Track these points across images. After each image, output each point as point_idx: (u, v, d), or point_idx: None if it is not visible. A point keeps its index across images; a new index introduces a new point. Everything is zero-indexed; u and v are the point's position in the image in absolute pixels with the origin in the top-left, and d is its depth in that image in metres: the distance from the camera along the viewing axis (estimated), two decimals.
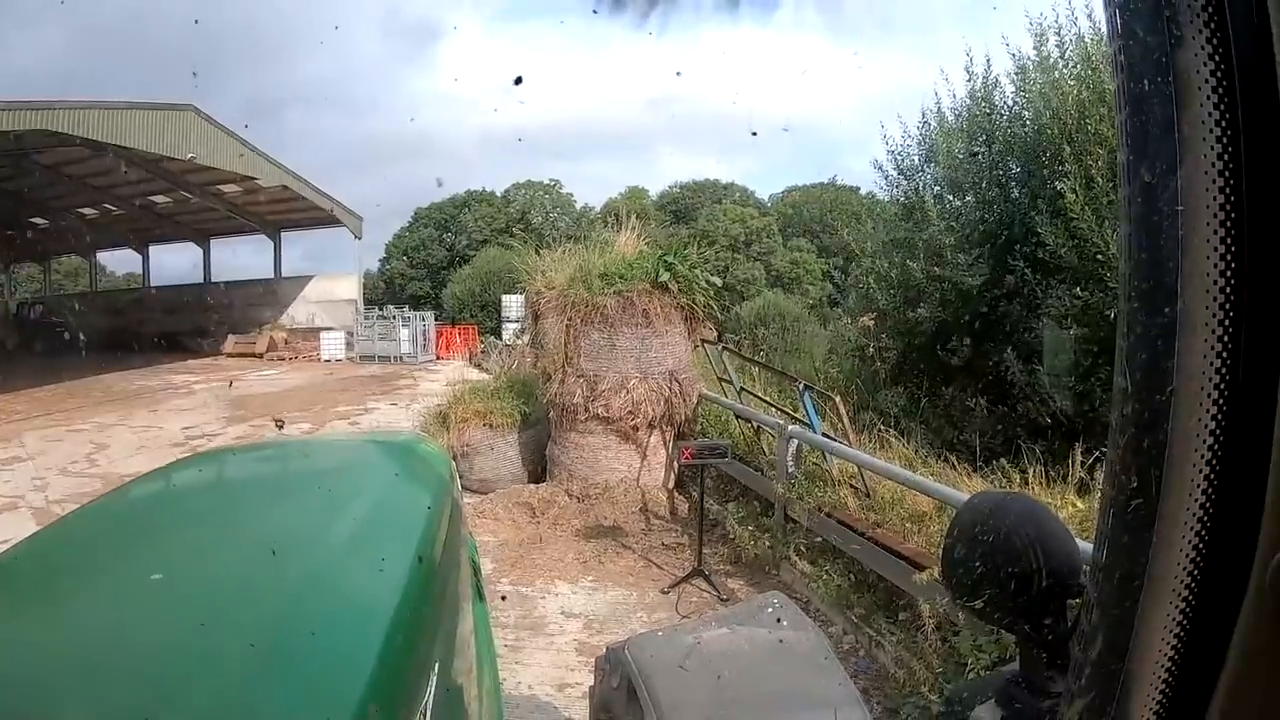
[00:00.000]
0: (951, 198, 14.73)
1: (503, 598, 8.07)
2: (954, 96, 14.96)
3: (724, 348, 13.43)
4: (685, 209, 54.28)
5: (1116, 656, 0.74)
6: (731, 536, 9.53)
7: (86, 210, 38.76)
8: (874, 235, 16.44)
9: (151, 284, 45.35)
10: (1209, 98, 0.61)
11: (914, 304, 14.28)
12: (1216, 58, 0.61)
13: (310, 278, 40.49)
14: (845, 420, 9.31)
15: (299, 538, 2.31)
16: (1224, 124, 0.61)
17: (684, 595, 8.33)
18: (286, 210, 38.55)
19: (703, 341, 12.62)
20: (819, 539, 8.31)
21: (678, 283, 11.32)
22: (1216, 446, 0.63)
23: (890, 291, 14.92)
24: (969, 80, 14.54)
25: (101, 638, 1.75)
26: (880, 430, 10.12)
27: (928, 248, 14.14)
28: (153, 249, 45.30)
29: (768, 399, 11.84)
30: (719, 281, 12.74)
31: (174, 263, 45.77)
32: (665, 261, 11.34)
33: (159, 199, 37.64)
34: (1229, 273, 0.61)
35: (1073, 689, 0.83)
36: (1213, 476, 0.64)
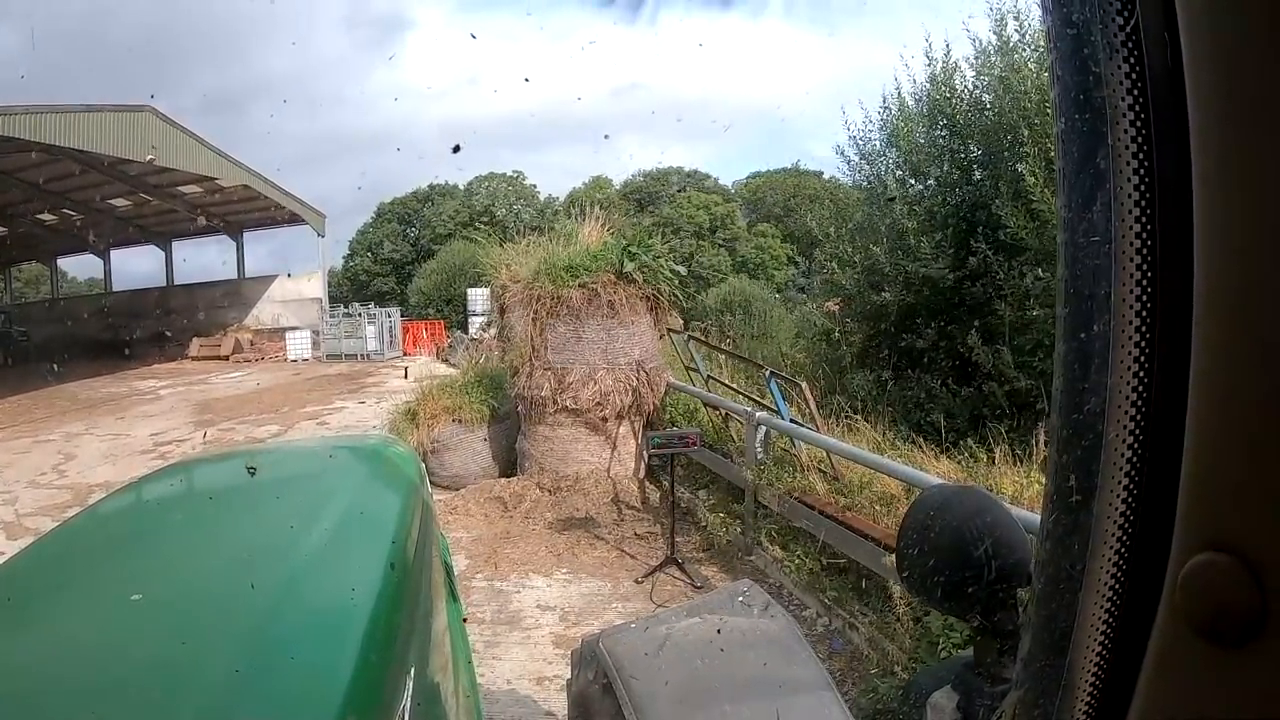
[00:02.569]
0: (914, 181, 14.86)
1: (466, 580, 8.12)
2: (914, 81, 15.08)
3: (690, 337, 13.50)
4: (649, 197, 54.30)
5: (1056, 648, 0.77)
6: (703, 524, 9.60)
7: (45, 216, 38.13)
8: (836, 220, 16.53)
9: (114, 288, 44.78)
10: (1127, 131, 0.65)
11: (878, 288, 14.40)
12: (1135, 91, 0.64)
13: (274, 277, 40.06)
14: (812, 406, 9.39)
15: (273, 547, 2.33)
16: (1140, 156, 0.64)
17: (658, 584, 8.37)
18: (248, 210, 38.16)
19: (669, 331, 12.67)
20: (790, 524, 8.39)
21: (642, 273, 11.34)
22: (1134, 457, 0.67)
23: (854, 276, 15.04)
24: (929, 65, 14.66)
25: (85, 654, 1.77)
26: (848, 414, 10.21)
27: (891, 232, 14.25)
28: (114, 253, 44.68)
29: (735, 386, 11.91)
30: (683, 270, 12.79)
31: (136, 266, 45.04)
32: (629, 252, 11.36)
33: (119, 202, 37.08)
34: (1145, 297, 0.65)
35: (1019, 677, 0.86)
36: (1133, 483, 0.67)
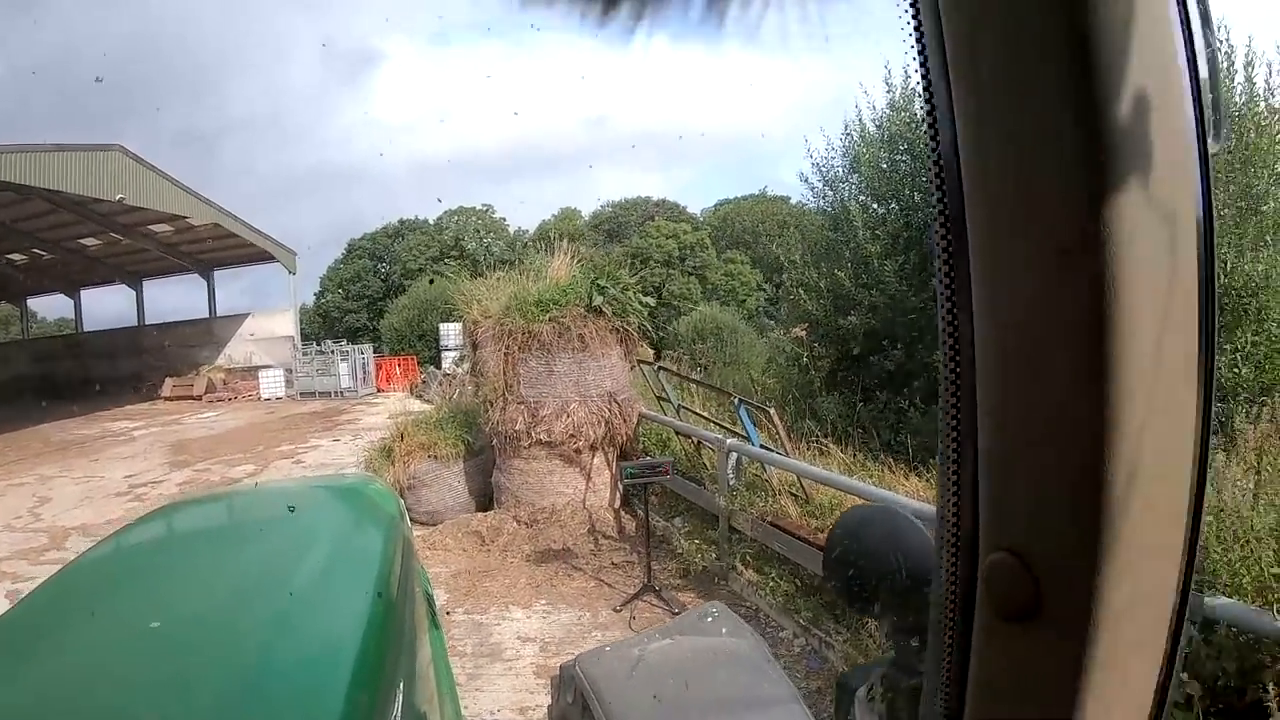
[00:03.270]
0: (876, 206, 15.15)
1: (447, 612, 8.21)
2: (874, 108, 15.42)
3: (660, 367, 13.70)
4: (618, 227, 54.60)
5: (913, 631, 0.97)
6: (679, 551, 9.74)
7: (14, 256, 38.01)
8: (801, 245, 16.79)
9: (85, 328, 44.59)
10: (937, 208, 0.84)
11: (844, 312, 14.65)
12: (937, 162, 0.83)
13: (246, 315, 39.97)
14: (781, 431, 9.60)
15: (268, 582, 2.51)
16: (944, 204, 0.83)
17: (636, 612, 8.51)
18: (219, 248, 38.03)
19: (640, 362, 12.85)
20: (764, 547, 8.56)
21: (611, 305, 11.53)
22: (957, 479, 0.86)
23: (820, 301, 15.28)
24: (889, 91, 15.00)
25: (97, 688, 1.92)
26: (818, 438, 10.42)
27: (855, 256, 14.53)
28: (85, 292, 44.54)
29: (706, 414, 12.10)
30: (652, 302, 12.99)
31: (107, 306, 44.98)
32: (598, 285, 11.55)
33: (89, 241, 36.95)
34: (953, 345, 0.84)
35: (925, 670, 1.06)
36: (958, 499, 0.87)
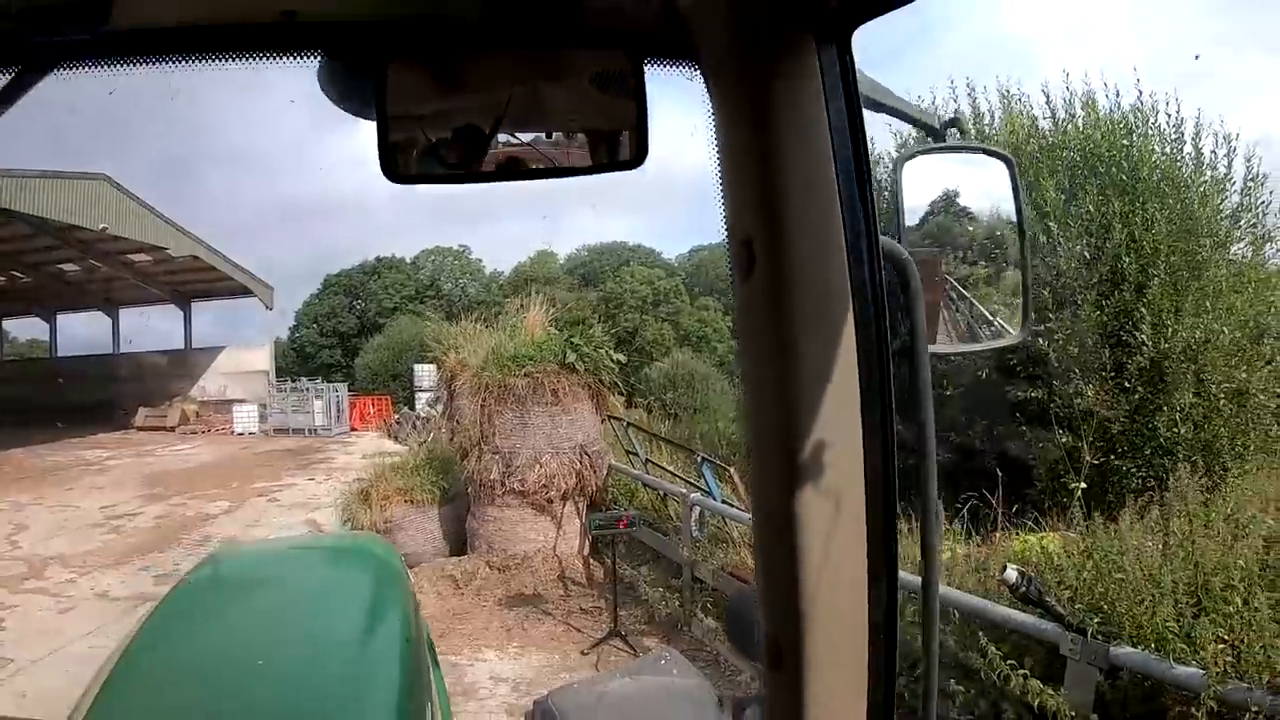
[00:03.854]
0: None
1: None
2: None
3: (628, 424, 14.21)
4: (593, 272, 54.79)
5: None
6: (645, 598, 10.21)
7: None
8: None
9: (59, 353, 44.18)
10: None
11: None
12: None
13: (221, 349, 39.54)
14: (740, 487, 10.14)
15: (317, 632, 3.13)
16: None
17: (603, 655, 8.99)
18: (197, 280, 37.95)
19: (609, 416, 13.37)
20: (724, 596, 9.05)
21: (584, 362, 12.12)
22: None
23: None
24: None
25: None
26: None
27: None
28: (60, 317, 44.14)
29: (671, 469, 12.63)
30: (622, 358, 13.54)
31: (81, 331, 44.20)
32: (571, 343, 12.14)
33: (69, 267, 36.89)
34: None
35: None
36: None
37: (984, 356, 9.72)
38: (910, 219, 1.38)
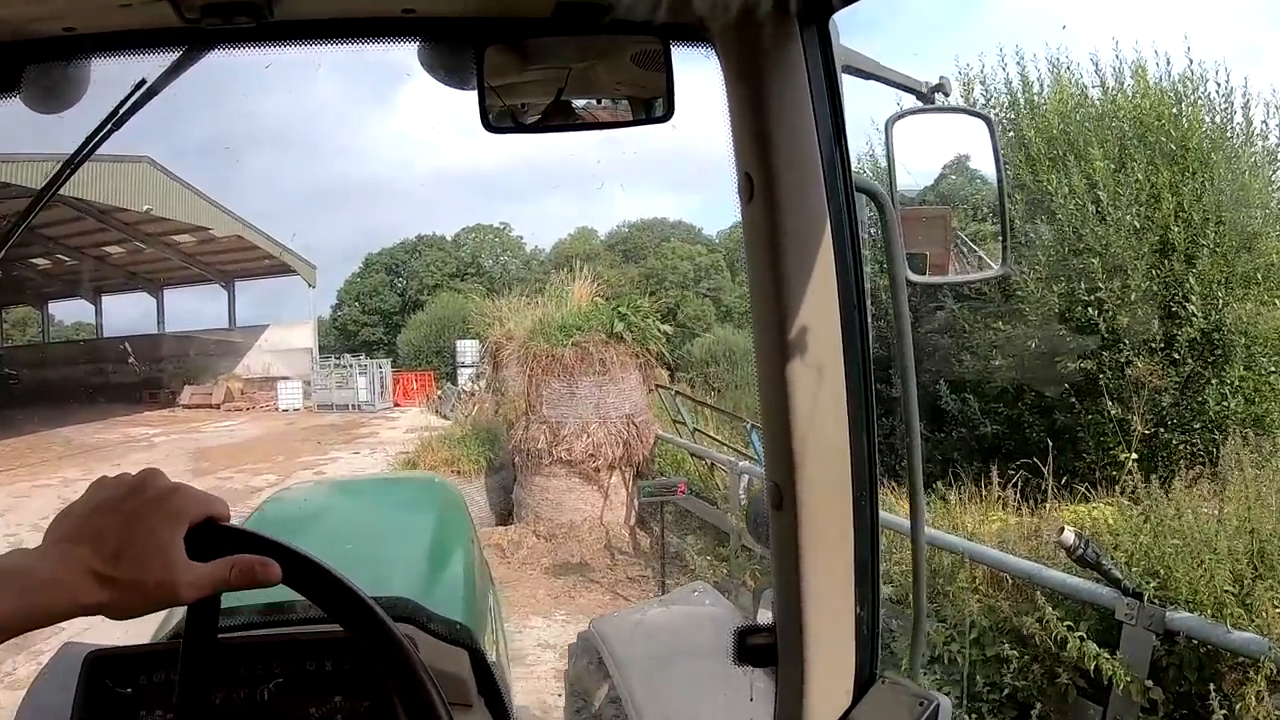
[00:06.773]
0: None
1: None
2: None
3: (676, 392, 14.17)
4: (634, 248, 54.76)
5: None
6: (692, 567, 10.14)
7: (39, 260, 38.28)
8: None
9: (105, 334, 44.78)
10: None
11: None
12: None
13: (265, 327, 40.16)
14: None
15: (387, 552, 3.43)
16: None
17: None
18: (240, 259, 38.53)
19: (656, 386, 13.33)
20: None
21: (631, 333, 12.06)
22: None
23: None
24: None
25: None
26: None
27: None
28: (106, 299, 44.71)
29: (719, 438, 12.56)
30: (669, 329, 13.50)
31: (127, 312, 44.77)
32: (619, 313, 12.08)
33: (113, 249, 37.43)
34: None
35: None
36: None
37: (970, 286, 10.26)
38: (922, 179, 1.70)
